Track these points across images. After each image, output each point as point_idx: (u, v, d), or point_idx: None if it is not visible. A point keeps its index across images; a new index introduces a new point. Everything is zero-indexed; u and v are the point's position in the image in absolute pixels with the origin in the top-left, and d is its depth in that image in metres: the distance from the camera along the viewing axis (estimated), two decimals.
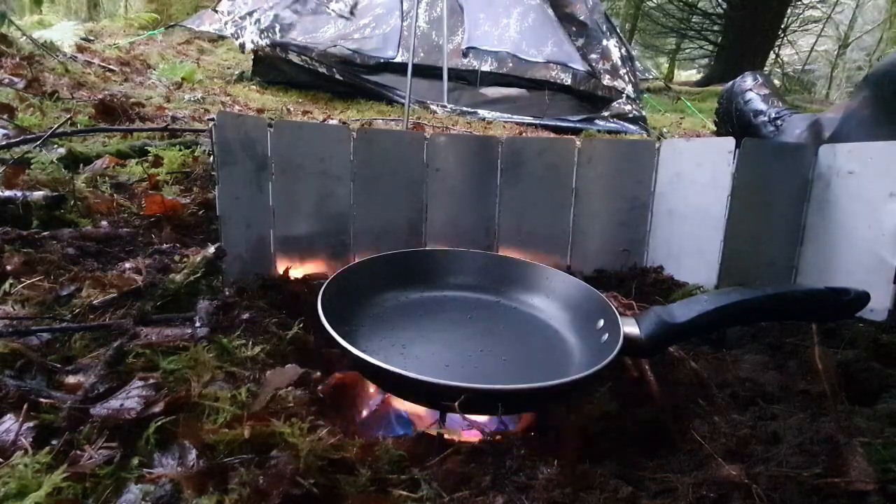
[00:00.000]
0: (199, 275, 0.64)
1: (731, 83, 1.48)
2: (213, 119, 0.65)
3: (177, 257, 0.70)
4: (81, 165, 1.15)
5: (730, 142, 0.80)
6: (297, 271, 0.82)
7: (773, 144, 0.80)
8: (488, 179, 0.91)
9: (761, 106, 1.33)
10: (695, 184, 0.85)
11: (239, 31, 3.27)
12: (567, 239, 0.94)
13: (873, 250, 0.71)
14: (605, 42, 3.62)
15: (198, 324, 0.56)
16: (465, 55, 3.08)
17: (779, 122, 1.27)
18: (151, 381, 0.47)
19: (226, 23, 3.35)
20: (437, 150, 0.89)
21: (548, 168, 0.92)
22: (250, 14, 3.32)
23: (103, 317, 0.56)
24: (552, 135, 3.05)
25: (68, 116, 1.41)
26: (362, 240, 0.87)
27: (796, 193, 0.81)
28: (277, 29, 3.28)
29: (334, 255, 0.86)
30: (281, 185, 0.80)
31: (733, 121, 1.40)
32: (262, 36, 3.24)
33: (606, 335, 0.62)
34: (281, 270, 0.81)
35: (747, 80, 1.43)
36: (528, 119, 3.35)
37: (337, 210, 0.86)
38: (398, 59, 3.48)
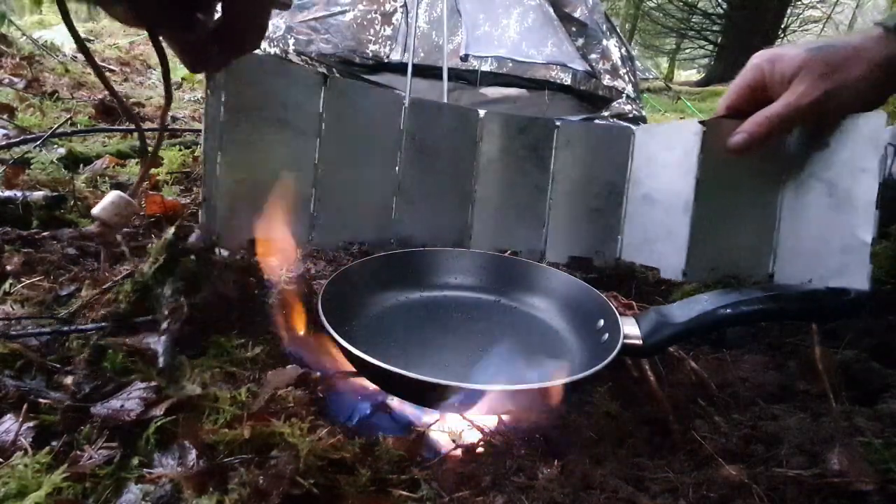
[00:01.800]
0: (160, 262, 0.55)
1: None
2: None
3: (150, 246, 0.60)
4: (81, 165, 1.16)
5: (696, 124, 0.80)
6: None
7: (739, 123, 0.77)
8: (467, 153, 0.90)
9: None
10: (666, 167, 0.85)
11: None
12: (543, 223, 0.93)
13: (848, 229, 0.69)
14: (605, 42, 3.62)
15: (160, 349, 0.49)
16: (463, 60, 3.08)
17: None
18: (152, 382, 0.47)
19: None
20: (416, 118, 0.85)
21: (527, 149, 0.90)
22: None
23: (90, 315, 0.56)
24: None
25: (68, 116, 1.41)
26: (328, 212, 0.79)
27: (770, 174, 0.78)
28: (291, 42, 3.31)
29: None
30: (235, 137, 0.68)
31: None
32: (272, 45, 3.27)
33: (606, 335, 0.62)
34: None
35: None
36: None
37: (301, 173, 0.75)
38: (398, 60, 3.49)
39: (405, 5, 3.28)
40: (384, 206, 0.87)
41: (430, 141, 0.87)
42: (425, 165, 0.87)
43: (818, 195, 0.73)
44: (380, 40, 3.57)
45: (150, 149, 0.66)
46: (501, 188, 0.91)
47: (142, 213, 0.92)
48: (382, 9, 3.57)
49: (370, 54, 3.51)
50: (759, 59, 0.75)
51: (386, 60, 3.49)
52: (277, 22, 3.36)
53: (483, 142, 0.90)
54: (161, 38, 0.51)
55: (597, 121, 3.46)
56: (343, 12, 3.47)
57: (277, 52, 3.30)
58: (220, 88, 0.65)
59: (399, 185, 0.87)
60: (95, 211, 0.54)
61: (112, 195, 0.56)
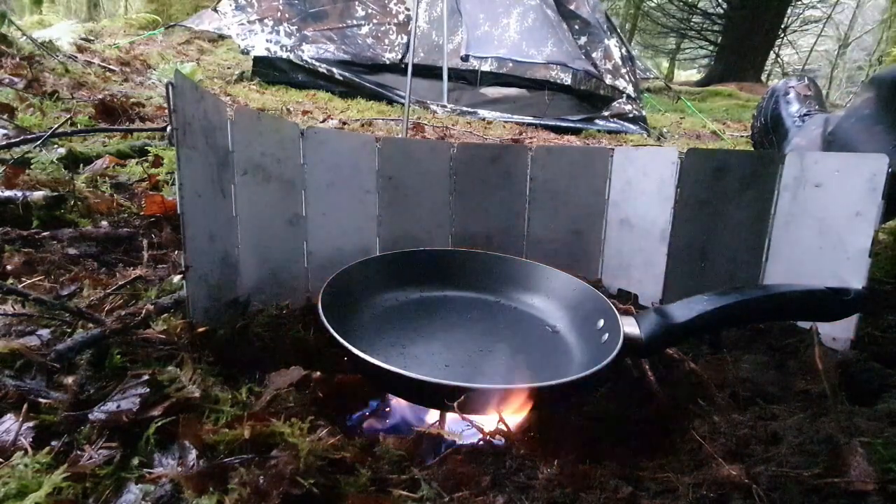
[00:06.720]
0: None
1: (777, 82, 1.44)
2: (171, 83, 0.51)
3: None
4: (81, 165, 1.15)
5: (673, 152, 0.78)
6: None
7: (721, 154, 0.73)
8: (441, 187, 0.89)
9: (796, 105, 1.30)
10: (643, 194, 0.83)
11: (247, 34, 3.31)
12: (521, 248, 0.92)
13: (837, 273, 0.65)
14: (606, 41, 3.62)
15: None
16: (464, 60, 3.09)
17: (806, 118, 1.24)
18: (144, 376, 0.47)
19: (229, 25, 3.38)
20: (389, 157, 0.84)
21: (502, 176, 0.90)
22: (261, 21, 3.36)
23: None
24: (552, 134, 3.05)
25: (68, 116, 1.41)
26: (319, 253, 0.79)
27: (759, 206, 0.73)
28: (306, 49, 3.36)
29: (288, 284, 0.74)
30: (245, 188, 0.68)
31: (768, 120, 1.36)
32: (284, 49, 3.31)
33: (606, 335, 0.62)
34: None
35: (792, 80, 1.40)
36: (529, 119, 3.35)
37: (294, 222, 0.76)
38: (398, 60, 3.51)
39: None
40: (365, 245, 0.86)
41: (404, 177, 0.86)
42: (400, 200, 0.87)
43: (812, 233, 0.68)
44: (395, 48, 3.62)
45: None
46: (477, 215, 0.91)
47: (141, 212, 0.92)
48: (396, 20, 3.62)
49: (387, 62, 3.56)
50: None
51: (388, 62, 3.51)
52: (289, 28, 3.40)
53: (456, 174, 0.89)
54: None
55: (597, 120, 3.46)
56: (358, 25, 3.53)
57: (292, 56, 3.34)
58: (210, 150, 0.62)
59: (377, 219, 0.86)
60: None
61: None
